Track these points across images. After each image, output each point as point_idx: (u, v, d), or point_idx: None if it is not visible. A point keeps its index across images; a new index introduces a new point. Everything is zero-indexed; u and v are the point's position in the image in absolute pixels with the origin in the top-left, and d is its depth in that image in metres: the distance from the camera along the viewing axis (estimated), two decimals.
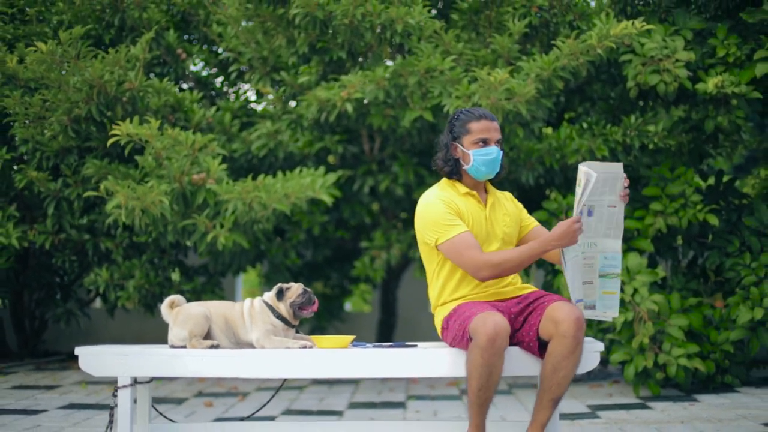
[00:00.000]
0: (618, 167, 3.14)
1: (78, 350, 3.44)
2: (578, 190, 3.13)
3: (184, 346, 3.47)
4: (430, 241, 3.35)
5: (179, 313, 3.52)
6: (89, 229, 6.65)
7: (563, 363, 3.14)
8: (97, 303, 9.10)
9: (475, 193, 3.43)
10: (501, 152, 3.41)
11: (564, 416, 4.64)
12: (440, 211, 3.33)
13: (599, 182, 3.10)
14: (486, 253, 3.28)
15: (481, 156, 3.35)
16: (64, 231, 6.50)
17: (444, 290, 3.43)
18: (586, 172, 3.08)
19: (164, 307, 3.59)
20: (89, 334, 8.74)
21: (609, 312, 3.24)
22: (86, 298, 7.98)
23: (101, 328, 8.76)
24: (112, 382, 6.18)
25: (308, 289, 3.58)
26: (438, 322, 3.47)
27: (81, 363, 3.43)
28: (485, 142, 3.35)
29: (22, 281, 7.52)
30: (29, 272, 7.43)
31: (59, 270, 7.69)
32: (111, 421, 3.47)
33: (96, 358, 3.42)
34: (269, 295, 3.56)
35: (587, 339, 3.29)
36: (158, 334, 7.31)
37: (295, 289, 3.55)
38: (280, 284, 3.59)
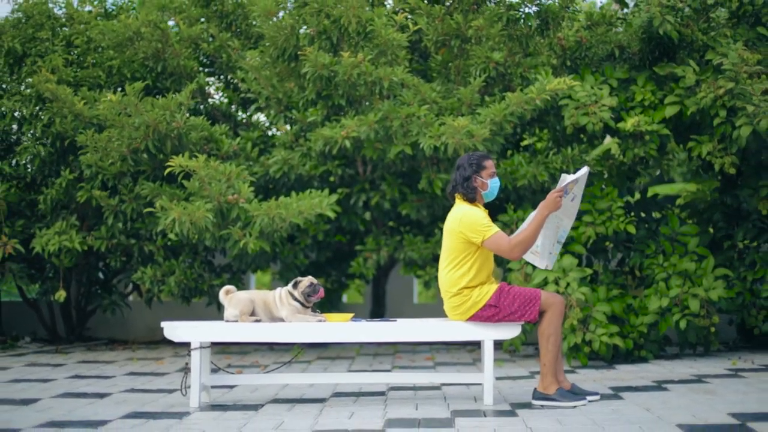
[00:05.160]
0: (585, 171, 4.54)
1: (163, 324, 4.78)
2: (561, 183, 4.52)
3: (236, 321, 4.84)
4: (475, 239, 4.52)
5: (232, 298, 4.88)
6: (134, 235, 7.97)
7: (560, 328, 4.59)
8: (130, 297, 10.08)
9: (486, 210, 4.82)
10: None
11: (508, 378, 5.99)
12: (481, 217, 4.57)
13: (579, 180, 4.54)
14: (510, 239, 4.51)
15: (495, 183, 4.72)
16: (115, 237, 7.83)
17: (476, 276, 4.57)
18: (564, 177, 4.54)
19: (222, 293, 4.93)
20: (123, 322, 9.73)
21: (554, 254, 4.74)
22: (124, 292, 9.13)
23: (136, 317, 9.72)
24: (158, 358, 7.63)
25: (315, 282, 4.81)
26: (474, 300, 4.56)
27: (165, 332, 4.76)
28: (496, 174, 4.74)
29: (70, 278, 8.75)
30: (77, 270, 8.70)
31: (102, 269, 9.07)
32: (185, 373, 4.92)
33: (176, 329, 4.78)
34: (289, 286, 4.90)
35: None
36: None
37: (306, 281, 4.81)
38: (296, 278, 4.86)
